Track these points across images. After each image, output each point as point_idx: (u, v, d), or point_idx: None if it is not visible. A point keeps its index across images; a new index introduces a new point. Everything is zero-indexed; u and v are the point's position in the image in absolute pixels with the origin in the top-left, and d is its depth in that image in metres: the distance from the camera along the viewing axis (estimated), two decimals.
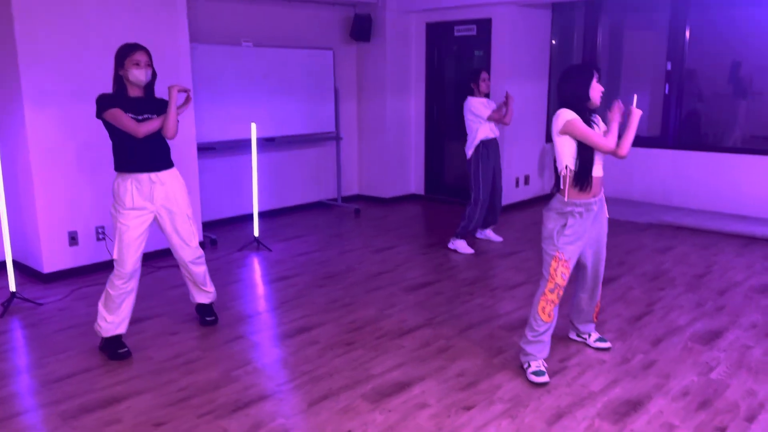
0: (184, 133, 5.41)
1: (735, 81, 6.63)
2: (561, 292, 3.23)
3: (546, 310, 3.22)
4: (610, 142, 3.10)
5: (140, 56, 3.41)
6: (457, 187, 7.51)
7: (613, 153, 3.14)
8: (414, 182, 8.05)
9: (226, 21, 6.37)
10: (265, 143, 6.56)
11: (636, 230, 6.21)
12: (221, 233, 6.17)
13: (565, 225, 3.17)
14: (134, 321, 3.95)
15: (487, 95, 5.51)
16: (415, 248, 5.68)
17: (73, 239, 4.82)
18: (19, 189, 4.78)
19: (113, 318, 3.49)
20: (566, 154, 3.14)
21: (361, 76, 7.70)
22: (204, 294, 3.93)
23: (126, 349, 3.52)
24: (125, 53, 3.41)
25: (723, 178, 6.43)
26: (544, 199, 7.41)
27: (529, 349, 3.24)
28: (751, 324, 3.87)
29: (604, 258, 3.42)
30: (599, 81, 3.16)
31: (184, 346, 3.65)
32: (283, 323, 3.98)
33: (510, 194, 7.24)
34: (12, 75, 4.51)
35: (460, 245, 5.53)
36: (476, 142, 5.40)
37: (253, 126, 5.69)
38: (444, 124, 7.67)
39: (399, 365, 3.36)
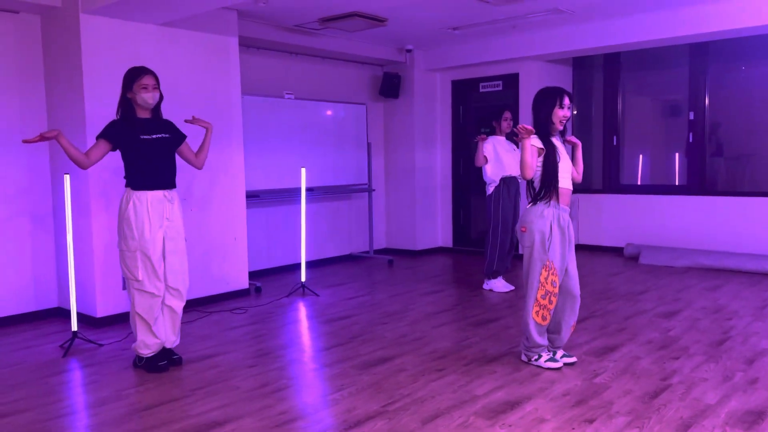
0: (233, 180, 5.42)
1: (714, 140, 6.99)
2: (554, 299, 3.42)
3: (540, 314, 3.42)
4: (529, 170, 3.36)
5: (148, 80, 3.51)
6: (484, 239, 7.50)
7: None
8: (441, 235, 8.06)
9: (270, 74, 6.52)
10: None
11: (675, 273, 6.23)
12: (263, 282, 6.06)
13: (550, 233, 3.37)
14: (203, 358, 3.84)
15: (508, 135, 5.51)
16: (464, 291, 5.62)
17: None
18: (80, 231, 4.68)
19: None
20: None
21: (388, 130, 7.84)
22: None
23: (165, 362, 3.59)
24: (134, 76, 3.51)
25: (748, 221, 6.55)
26: None
27: (539, 341, 3.46)
28: None
29: (575, 276, 3.50)
30: (567, 107, 3.42)
31: (267, 376, 3.50)
32: (360, 355, 3.85)
33: None
34: (78, 114, 4.54)
35: (496, 285, 5.50)
36: (488, 179, 5.48)
37: (303, 171, 5.71)
38: (470, 177, 7.77)
39: (500, 387, 3.25)
